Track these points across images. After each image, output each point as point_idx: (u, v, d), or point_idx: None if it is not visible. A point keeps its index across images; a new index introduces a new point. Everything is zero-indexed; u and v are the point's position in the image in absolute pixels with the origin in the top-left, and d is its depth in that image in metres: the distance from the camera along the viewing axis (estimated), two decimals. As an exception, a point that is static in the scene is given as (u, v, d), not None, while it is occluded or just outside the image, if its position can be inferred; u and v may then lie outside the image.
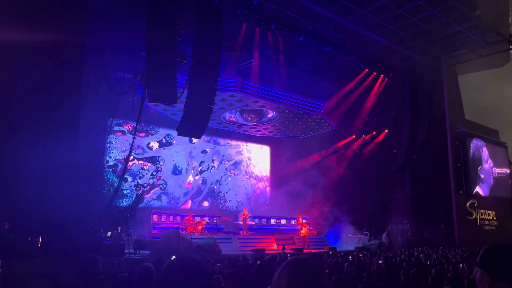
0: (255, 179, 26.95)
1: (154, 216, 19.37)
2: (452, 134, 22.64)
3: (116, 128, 20.07)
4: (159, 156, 22.26)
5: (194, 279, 1.67)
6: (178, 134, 13.53)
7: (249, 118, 23.21)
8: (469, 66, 24.31)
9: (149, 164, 21.81)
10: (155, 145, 22.26)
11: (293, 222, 22.62)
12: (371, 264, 9.18)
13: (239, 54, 18.11)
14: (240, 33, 16.63)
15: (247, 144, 26.71)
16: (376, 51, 20.35)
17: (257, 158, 27.23)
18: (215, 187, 24.61)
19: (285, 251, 16.06)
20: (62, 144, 11.71)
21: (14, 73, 11.75)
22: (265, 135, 26.34)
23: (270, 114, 22.72)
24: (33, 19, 12.24)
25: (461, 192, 22.50)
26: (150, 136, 22.13)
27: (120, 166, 20.11)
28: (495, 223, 24.83)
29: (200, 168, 24.12)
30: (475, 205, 23.44)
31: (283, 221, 23.38)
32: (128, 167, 19.72)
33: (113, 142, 20.32)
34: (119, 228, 13.93)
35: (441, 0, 16.65)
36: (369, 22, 17.91)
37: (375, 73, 20.88)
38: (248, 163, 26.71)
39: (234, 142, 26.08)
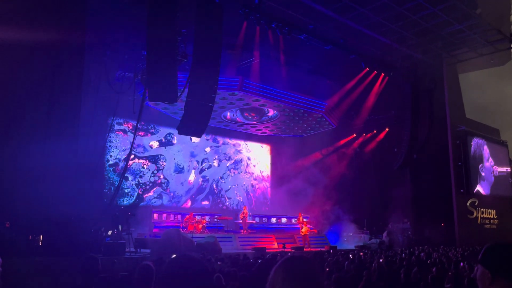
0: (256, 178, 26.97)
1: (155, 214, 19.39)
2: (452, 133, 22.61)
3: (116, 127, 20.10)
4: (159, 155, 22.27)
5: (194, 277, 1.66)
6: (179, 133, 13.53)
7: (250, 117, 23.21)
8: (470, 65, 24.28)
9: (150, 163, 21.83)
10: (155, 144, 22.28)
11: (293, 220, 22.62)
12: (372, 263, 9.17)
13: (240, 53, 18.11)
14: (240, 31, 16.63)
15: (247, 143, 26.72)
16: (376, 49, 20.34)
17: (257, 157, 27.24)
18: (214, 186, 24.62)
19: (285, 249, 16.07)
20: (63, 143, 11.71)
21: (14, 72, 11.75)
22: (266, 134, 26.33)
23: (271, 113, 22.71)
24: (34, 18, 12.23)
25: (461, 191, 22.48)
26: (150, 135, 22.15)
27: (121, 165, 20.14)
28: (496, 222, 24.81)
29: (201, 167, 24.14)
30: (476, 204, 23.42)
31: (283, 220, 23.38)
32: (129, 166, 19.74)
33: (114, 141, 20.34)
34: (120, 226, 13.94)
35: (442, -1, 16.65)
36: (370, 21, 17.90)
37: (375, 71, 20.88)
38: (249, 162, 26.72)
39: (234, 141, 26.10)
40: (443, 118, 22.21)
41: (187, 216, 18.83)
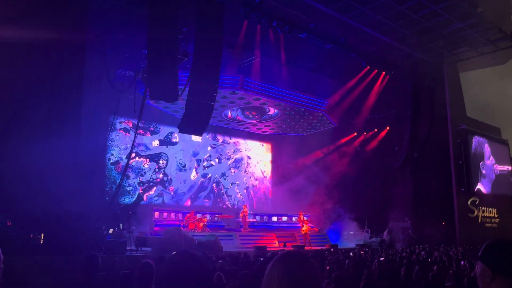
0: (256, 176, 26.98)
1: (156, 213, 19.42)
2: (453, 131, 22.59)
3: (118, 125, 20.13)
4: (161, 153, 22.30)
5: (194, 274, 1.66)
6: (180, 132, 13.53)
7: (251, 116, 23.22)
8: (471, 64, 24.24)
9: (151, 162, 21.86)
10: (156, 142, 22.30)
11: (294, 219, 22.64)
12: (373, 262, 9.18)
13: (241, 52, 18.11)
14: (241, 30, 16.61)
15: (248, 141, 26.72)
16: (377, 48, 20.32)
17: (258, 156, 27.25)
18: (214, 184, 24.64)
19: (286, 248, 16.08)
20: (64, 141, 11.72)
21: (15, 71, 11.75)
22: (267, 133, 26.33)
23: (272, 112, 22.71)
24: (34, 17, 12.24)
25: (462, 189, 22.47)
26: (151, 133, 22.17)
27: (122, 163, 20.17)
28: (497, 220, 24.79)
29: (201, 165, 24.16)
30: (477, 202, 23.41)
31: (284, 218, 23.39)
32: (130, 164, 19.76)
33: (115, 140, 20.37)
34: (121, 225, 13.98)
35: (442, -2, 16.63)
36: (371, 20, 17.87)
37: (376, 70, 20.85)
38: (249, 160, 26.73)
39: (235, 140, 26.11)
40: (444, 116, 22.21)
41: (188, 215, 18.86)
